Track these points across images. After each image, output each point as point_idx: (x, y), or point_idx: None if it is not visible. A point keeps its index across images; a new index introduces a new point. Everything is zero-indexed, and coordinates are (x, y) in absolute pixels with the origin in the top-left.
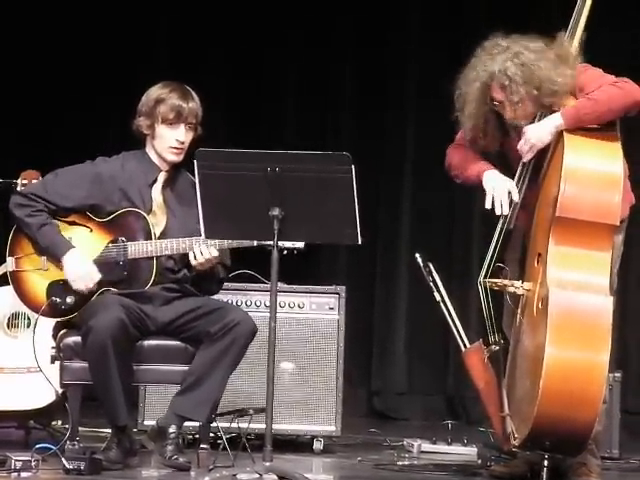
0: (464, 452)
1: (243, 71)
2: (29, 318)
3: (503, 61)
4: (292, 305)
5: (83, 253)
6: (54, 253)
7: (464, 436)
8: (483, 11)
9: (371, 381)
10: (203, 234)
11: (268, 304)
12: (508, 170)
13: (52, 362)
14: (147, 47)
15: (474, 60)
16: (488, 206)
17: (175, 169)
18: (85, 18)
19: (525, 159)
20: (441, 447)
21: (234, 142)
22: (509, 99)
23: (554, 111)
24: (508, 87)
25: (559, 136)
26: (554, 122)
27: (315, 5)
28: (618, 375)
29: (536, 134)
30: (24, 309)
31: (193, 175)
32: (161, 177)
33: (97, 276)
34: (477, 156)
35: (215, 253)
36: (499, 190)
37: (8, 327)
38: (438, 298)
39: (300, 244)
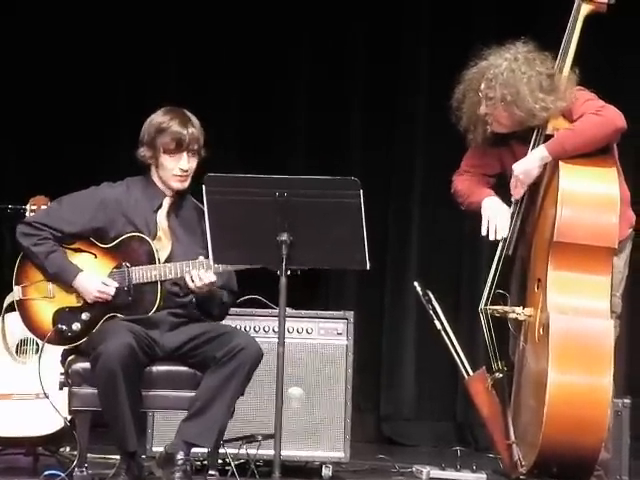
0: (473, 478)
1: (253, 96)
2: (37, 344)
3: (502, 60)
4: (300, 330)
5: (92, 274)
6: (64, 279)
7: (473, 462)
8: (493, 27)
9: (380, 407)
10: (211, 259)
11: (276, 329)
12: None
13: (60, 388)
14: (156, 76)
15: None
16: (484, 232)
17: (180, 195)
18: (97, 43)
19: (517, 196)
20: (450, 473)
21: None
22: (485, 92)
23: (548, 137)
24: (489, 81)
25: (554, 163)
26: (539, 155)
27: (323, 28)
28: (627, 401)
29: (523, 169)
30: (33, 335)
31: (199, 200)
32: (166, 202)
33: (113, 284)
34: (482, 184)
35: (212, 277)
36: (494, 216)
37: (17, 353)
38: (439, 326)
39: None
